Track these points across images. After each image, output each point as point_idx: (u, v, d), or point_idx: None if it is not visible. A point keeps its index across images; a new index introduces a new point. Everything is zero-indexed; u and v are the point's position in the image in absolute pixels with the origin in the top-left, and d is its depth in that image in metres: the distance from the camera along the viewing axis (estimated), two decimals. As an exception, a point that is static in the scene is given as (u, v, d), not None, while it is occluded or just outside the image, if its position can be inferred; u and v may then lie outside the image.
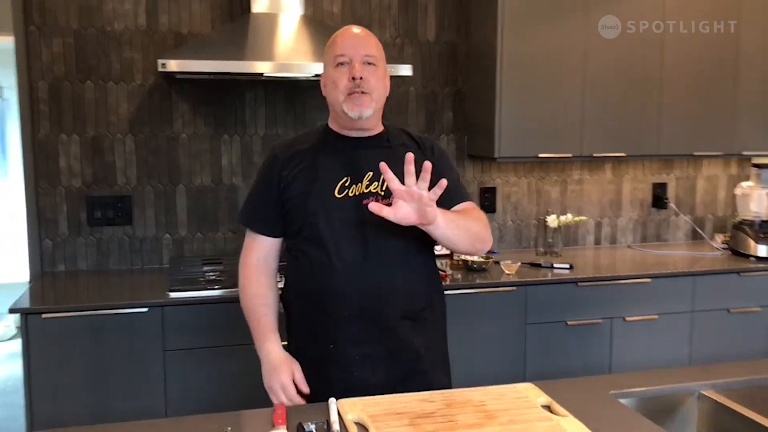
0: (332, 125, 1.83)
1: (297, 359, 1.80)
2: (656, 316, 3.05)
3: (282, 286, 1.89)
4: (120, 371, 2.52)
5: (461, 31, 3.37)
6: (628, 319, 3.02)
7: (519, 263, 3.02)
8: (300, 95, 3.19)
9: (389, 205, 1.58)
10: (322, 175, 1.74)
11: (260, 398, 2.53)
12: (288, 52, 2.79)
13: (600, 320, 2.99)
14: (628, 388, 1.64)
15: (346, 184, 1.73)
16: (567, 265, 3.09)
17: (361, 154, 1.76)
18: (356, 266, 1.70)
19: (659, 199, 3.71)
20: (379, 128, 1.84)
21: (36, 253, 2.97)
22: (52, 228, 2.99)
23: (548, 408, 1.50)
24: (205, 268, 2.90)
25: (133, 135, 3.03)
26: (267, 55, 2.74)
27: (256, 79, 3.07)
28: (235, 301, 2.56)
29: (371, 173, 1.74)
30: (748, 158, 3.72)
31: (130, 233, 3.07)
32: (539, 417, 1.43)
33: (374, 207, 1.57)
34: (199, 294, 2.58)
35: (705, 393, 1.66)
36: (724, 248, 3.51)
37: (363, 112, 1.72)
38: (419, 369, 1.75)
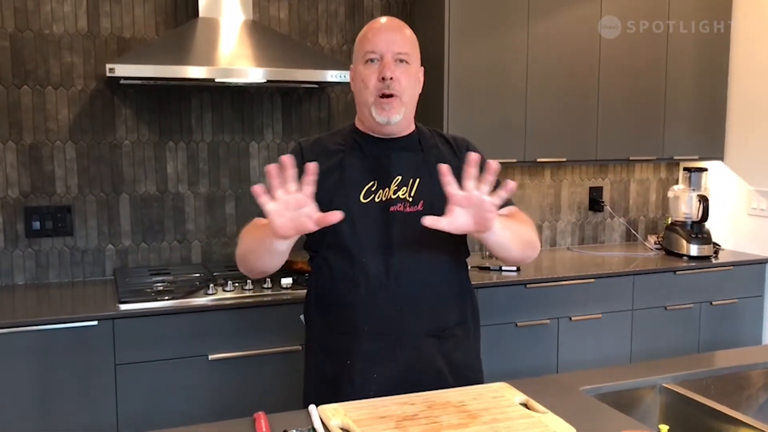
0: (359, 125, 1.72)
1: (313, 378, 1.72)
2: (600, 315, 3.17)
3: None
4: (67, 388, 2.42)
5: (406, 39, 3.40)
6: (573, 318, 3.12)
7: (469, 267, 3.06)
8: (248, 101, 3.15)
9: (416, 213, 1.50)
10: (347, 178, 1.61)
11: (218, 410, 2.51)
12: (237, 57, 2.75)
13: (548, 320, 3.08)
14: (595, 384, 1.70)
15: (373, 189, 1.63)
16: (514, 268, 3.17)
17: (390, 157, 1.65)
18: (379, 277, 1.60)
19: (595, 202, 3.85)
20: (410, 129, 1.73)
21: (-31, 268, 2.81)
22: (-15, 240, 2.84)
23: (525, 405, 1.53)
24: (154, 279, 2.81)
25: (73, 142, 2.91)
26: (218, 60, 2.70)
27: (203, 85, 3.01)
28: (187, 312, 2.53)
29: (399, 178, 1.64)
30: (677, 162, 3.93)
31: (71, 244, 2.95)
32: (520, 414, 1.46)
33: (429, 221, 1.40)
34: (150, 305, 2.50)
35: (665, 385, 1.74)
36: (657, 248, 3.68)
37: (392, 118, 1.63)
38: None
